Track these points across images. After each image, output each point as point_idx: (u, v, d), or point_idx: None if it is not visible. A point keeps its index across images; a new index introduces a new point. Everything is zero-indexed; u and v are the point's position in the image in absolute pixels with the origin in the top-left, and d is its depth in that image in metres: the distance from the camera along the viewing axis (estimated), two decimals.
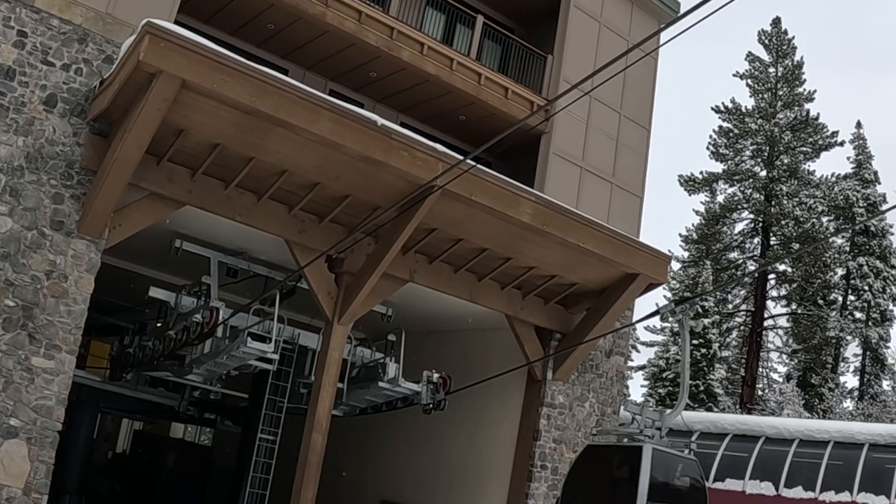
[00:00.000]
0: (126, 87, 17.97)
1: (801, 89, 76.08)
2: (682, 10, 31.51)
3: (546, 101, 28.77)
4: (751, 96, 77.05)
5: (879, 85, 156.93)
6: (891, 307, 70.87)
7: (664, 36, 31.98)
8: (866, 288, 70.56)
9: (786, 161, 74.28)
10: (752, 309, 74.01)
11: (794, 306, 74.12)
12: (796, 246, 70.41)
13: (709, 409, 59.05)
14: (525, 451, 27.10)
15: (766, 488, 33.93)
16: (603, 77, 13.60)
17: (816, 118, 74.36)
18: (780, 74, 76.48)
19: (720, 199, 76.82)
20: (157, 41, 17.10)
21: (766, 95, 76.24)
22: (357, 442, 31.00)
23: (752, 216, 75.36)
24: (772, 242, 73.87)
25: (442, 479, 28.98)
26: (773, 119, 74.37)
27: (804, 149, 74.50)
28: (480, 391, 26.13)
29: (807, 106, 75.24)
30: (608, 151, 30.26)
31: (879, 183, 73.12)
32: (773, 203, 72.89)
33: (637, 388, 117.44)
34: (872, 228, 71.21)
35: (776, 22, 77.00)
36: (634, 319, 30.41)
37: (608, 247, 24.60)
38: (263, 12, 25.22)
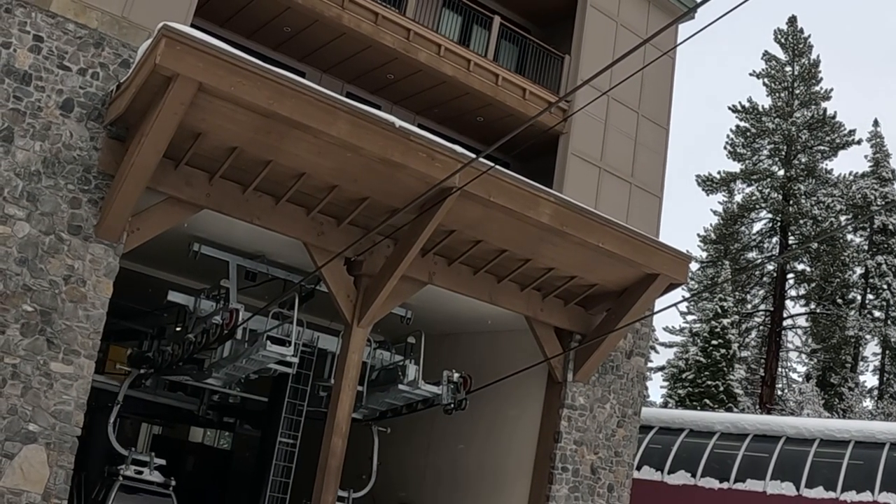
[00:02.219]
0: (143, 91, 17.92)
1: (817, 88, 75.95)
2: (699, 10, 31.50)
3: (560, 97, 28.66)
4: (767, 95, 76.98)
5: None
6: None
7: (681, 35, 31.94)
8: (885, 286, 70.35)
9: (803, 160, 74.15)
10: (771, 309, 73.85)
11: (812, 306, 73.94)
12: (814, 246, 70.25)
13: (728, 410, 58.80)
14: (546, 452, 26.98)
15: (787, 488, 33.81)
16: (621, 76, 13.53)
17: (833, 117, 74.26)
18: (796, 73, 76.36)
19: (738, 198, 76.76)
20: (174, 44, 17.05)
21: (782, 94, 76.13)
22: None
23: (770, 216, 75.20)
24: (790, 242, 73.66)
25: (462, 482, 28.91)
26: (790, 118, 74.23)
27: (821, 147, 74.38)
28: (500, 394, 26.05)
29: (824, 104, 75.14)
30: (626, 151, 30.16)
31: None
32: (790, 202, 72.74)
33: (656, 388, 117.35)
34: (891, 227, 70.95)
35: (792, 20, 76.86)
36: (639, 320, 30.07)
37: (628, 247, 24.48)
38: (280, 15, 25.19)
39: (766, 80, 76.97)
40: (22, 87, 18.78)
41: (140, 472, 22.61)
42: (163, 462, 23.18)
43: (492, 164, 18.71)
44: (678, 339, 75.04)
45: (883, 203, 70.20)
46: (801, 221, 72.17)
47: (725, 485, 35.12)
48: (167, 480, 23.03)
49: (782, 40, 76.97)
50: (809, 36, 76.42)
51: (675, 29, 32.13)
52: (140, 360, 26.21)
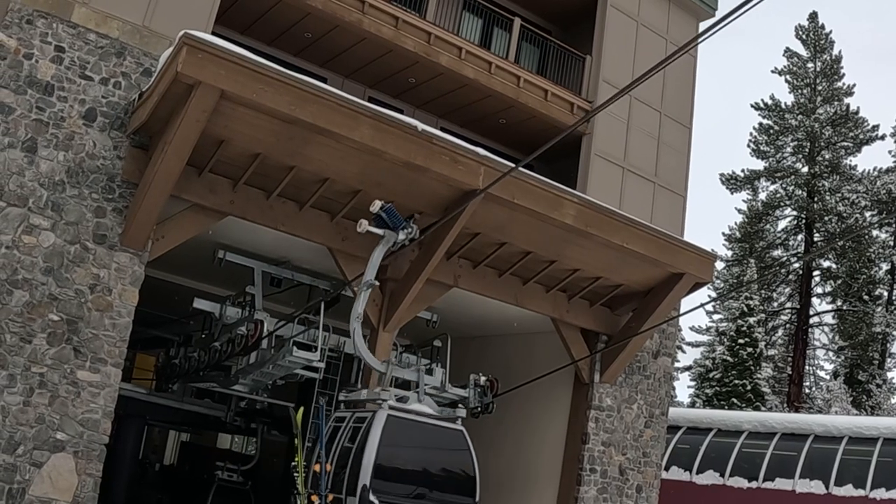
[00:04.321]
0: (165, 99, 17.95)
1: (840, 84, 75.79)
2: (720, 8, 31.39)
3: (593, 106, 28.65)
4: (790, 92, 76.85)
5: None
6: None
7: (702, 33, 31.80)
8: None
9: (827, 156, 73.97)
10: (798, 306, 73.63)
11: (839, 303, 73.65)
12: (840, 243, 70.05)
13: (756, 409, 58.68)
14: (574, 454, 26.93)
15: (817, 487, 33.64)
16: (644, 76, 13.46)
17: (856, 112, 74.05)
18: (818, 69, 76.20)
19: (762, 196, 76.62)
20: (195, 52, 17.08)
21: (805, 91, 75.98)
22: None
23: (794, 213, 74.99)
24: (815, 238, 73.45)
25: (490, 484, 28.79)
26: (813, 115, 74.06)
27: (845, 143, 74.18)
28: (527, 396, 26.01)
29: (846, 100, 74.95)
30: (650, 151, 30.09)
31: None
32: (815, 199, 72.54)
33: (683, 388, 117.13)
34: None
35: (813, 16, 76.72)
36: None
37: (653, 247, 24.41)
38: (300, 21, 25.20)
39: (788, 76, 76.84)
40: (44, 97, 18.84)
41: (231, 476, 26.86)
42: (244, 467, 27.72)
43: (514, 166, 18.65)
44: (705, 338, 74.87)
45: None
46: (826, 218, 71.94)
47: (754, 484, 34.95)
48: (247, 481, 27.15)
49: (804, 37, 76.82)
50: (831, 32, 76.29)
51: (695, 27, 32.09)
52: None
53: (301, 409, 17.41)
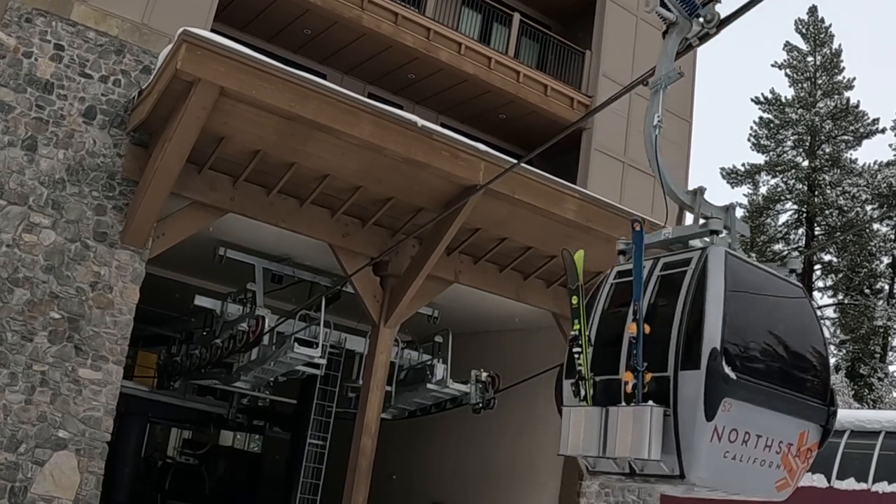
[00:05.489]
0: (165, 97, 17.95)
1: (840, 77, 75.70)
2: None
3: (593, 101, 28.66)
4: (790, 86, 76.73)
5: None
6: None
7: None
8: None
9: (827, 150, 73.92)
10: None
11: (840, 296, 73.62)
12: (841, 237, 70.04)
13: None
14: None
15: (819, 480, 33.54)
16: (642, 72, 13.36)
17: (857, 106, 73.97)
18: (818, 63, 76.11)
19: (763, 190, 76.53)
20: (195, 49, 17.06)
21: (805, 85, 75.89)
22: (406, 445, 30.95)
23: (795, 207, 74.94)
24: (816, 232, 73.42)
25: (492, 479, 28.87)
26: (813, 108, 74.02)
27: (845, 137, 74.09)
28: (528, 390, 25.99)
29: (847, 94, 74.87)
30: None
31: None
32: (816, 193, 72.51)
33: None
34: None
35: (813, 10, 76.61)
36: None
37: None
38: (299, 18, 25.22)
39: (788, 70, 76.77)
40: (44, 95, 18.85)
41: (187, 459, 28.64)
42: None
43: (515, 162, 18.64)
44: None
45: None
46: (827, 212, 71.94)
47: None
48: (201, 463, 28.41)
49: (803, 30, 76.74)
50: (830, 25, 76.22)
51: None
52: None
53: (582, 252, 13.31)
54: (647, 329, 11.22)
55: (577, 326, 12.35)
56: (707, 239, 12.31)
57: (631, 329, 11.43)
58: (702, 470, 10.84)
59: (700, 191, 12.63)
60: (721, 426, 10.72)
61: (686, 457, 10.80)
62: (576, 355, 12.22)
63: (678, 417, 10.84)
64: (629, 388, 11.02)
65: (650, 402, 10.86)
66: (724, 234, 12.31)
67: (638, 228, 12.40)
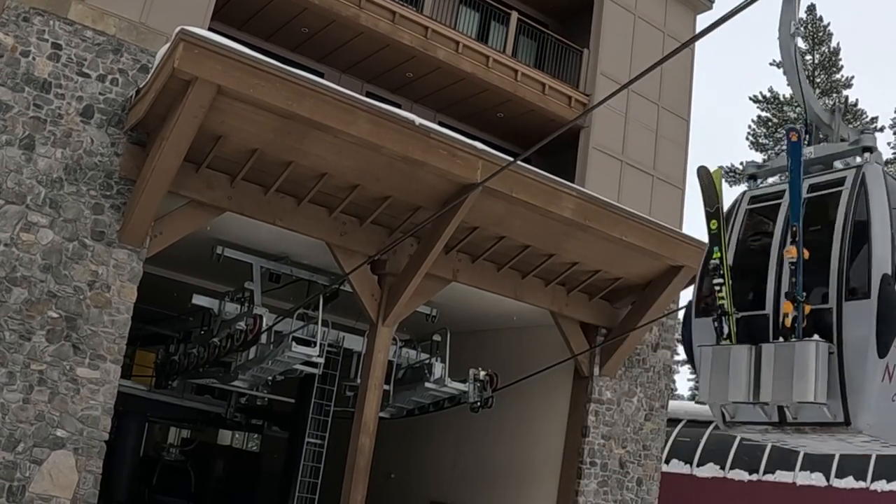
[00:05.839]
0: (162, 96, 17.94)
1: (838, 76, 75.55)
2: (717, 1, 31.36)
3: (591, 99, 28.66)
4: (788, 84, 76.50)
5: None
6: None
7: (700, 26, 31.92)
8: None
9: None
10: None
11: None
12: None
13: None
14: (574, 447, 26.92)
15: (817, 479, 33.59)
16: (641, 70, 13.41)
17: (855, 104, 73.85)
18: (816, 61, 75.99)
19: None
20: (192, 48, 17.05)
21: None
22: (404, 443, 30.95)
23: None
24: None
25: (490, 478, 28.89)
26: None
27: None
28: (527, 389, 26.01)
29: (845, 92, 74.72)
30: (648, 144, 30.08)
31: None
32: None
33: (683, 381, 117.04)
34: None
35: (811, 9, 76.50)
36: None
37: (652, 240, 24.38)
38: (297, 16, 25.20)
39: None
40: (42, 94, 18.83)
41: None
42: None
43: (512, 160, 18.64)
44: None
45: None
46: None
47: (755, 476, 34.90)
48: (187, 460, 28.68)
49: (802, 29, 76.63)
50: (829, 24, 76.13)
51: (693, 20, 32.11)
52: None
53: (720, 170, 12.62)
54: (806, 254, 10.43)
55: (717, 255, 11.50)
56: (859, 158, 11.53)
57: (790, 253, 10.54)
58: (870, 415, 9.90)
59: (839, 109, 12.49)
60: (893, 364, 9.86)
61: (853, 400, 9.82)
62: (717, 288, 11.29)
63: (843, 354, 9.92)
64: (788, 321, 10.13)
65: (815, 336, 9.90)
66: (878, 151, 11.55)
67: (795, 139, 11.65)
